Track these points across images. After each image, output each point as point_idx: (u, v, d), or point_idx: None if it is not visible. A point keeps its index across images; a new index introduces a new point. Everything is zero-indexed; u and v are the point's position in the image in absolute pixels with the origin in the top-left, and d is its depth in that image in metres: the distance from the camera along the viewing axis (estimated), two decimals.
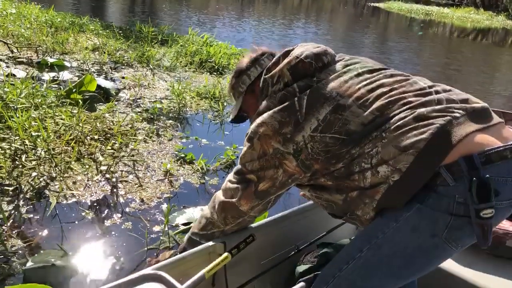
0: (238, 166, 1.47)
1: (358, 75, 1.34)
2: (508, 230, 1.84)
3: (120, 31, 7.62)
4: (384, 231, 1.21)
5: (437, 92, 1.28)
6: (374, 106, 1.25)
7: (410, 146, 1.16)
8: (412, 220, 1.18)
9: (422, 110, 1.21)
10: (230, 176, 1.51)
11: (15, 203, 2.52)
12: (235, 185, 1.47)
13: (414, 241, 1.18)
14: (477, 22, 26.49)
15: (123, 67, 5.73)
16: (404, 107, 1.23)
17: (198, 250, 1.56)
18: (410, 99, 1.25)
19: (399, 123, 1.20)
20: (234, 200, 1.46)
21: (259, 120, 1.36)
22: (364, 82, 1.31)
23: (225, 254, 1.49)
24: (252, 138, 1.38)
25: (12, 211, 2.44)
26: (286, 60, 1.40)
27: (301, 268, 1.74)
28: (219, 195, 1.53)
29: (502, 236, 1.83)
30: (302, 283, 1.65)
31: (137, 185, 2.92)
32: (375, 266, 1.23)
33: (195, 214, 2.68)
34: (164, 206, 2.70)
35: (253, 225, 1.77)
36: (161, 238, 2.40)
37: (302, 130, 1.29)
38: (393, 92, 1.28)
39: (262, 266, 1.62)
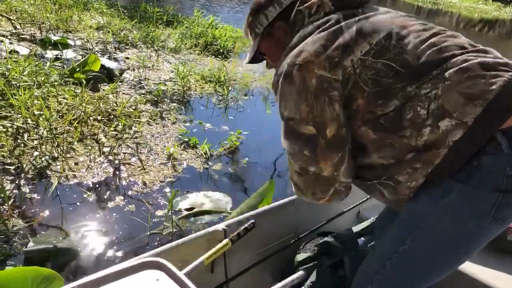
0: (286, 135, 1.19)
1: (407, 16, 1.21)
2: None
3: (125, 11, 7.52)
4: (425, 219, 1.09)
5: (489, 52, 1.12)
6: (432, 40, 1.09)
7: (478, 95, 1.00)
8: (454, 204, 1.05)
9: (486, 59, 1.05)
10: (289, 158, 1.24)
11: (16, 182, 2.49)
12: (301, 155, 1.17)
13: (457, 227, 1.07)
14: (485, 13, 26.23)
15: (128, 47, 5.66)
16: (464, 51, 1.08)
17: (198, 236, 1.54)
18: (466, 45, 1.11)
19: (463, 65, 1.04)
20: (312, 169, 1.17)
21: (295, 50, 1.14)
22: (417, 21, 1.17)
23: (225, 240, 1.47)
24: (289, 74, 1.12)
25: (14, 191, 2.41)
26: None
27: (300, 257, 1.72)
28: (295, 178, 1.26)
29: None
30: (301, 272, 1.63)
31: (140, 168, 2.88)
32: (420, 258, 1.13)
33: (198, 199, 2.66)
34: (167, 190, 2.67)
35: (253, 212, 1.75)
36: (164, 223, 2.38)
37: (351, 53, 1.08)
38: (448, 36, 1.13)
39: (262, 254, 1.60)
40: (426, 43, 1.09)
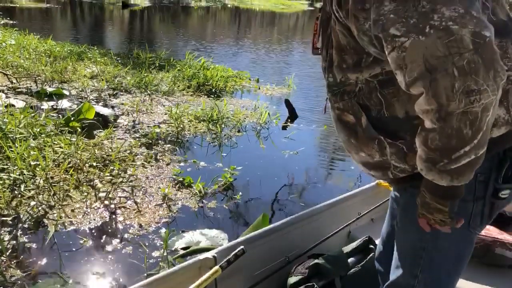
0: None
1: None
2: (496, 238, 1.86)
3: (118, 58, 7.73)
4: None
5: None
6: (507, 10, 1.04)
7: None
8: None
9: None
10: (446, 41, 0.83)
11: (14, 233, 2.53)
12: (470, 17, 0.82)
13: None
14: None
15: (122, 93, 5.79)
16: None
17: (189, 264, 1.57)
18: None
19: None
20: (487, 33, 0.83)
21: None
22: None
23: (215, 267, 1.49)
24: None
25: (11, 241, 2.45)
26: None
27: (292, 280, 1.75)
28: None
29: (491, 243, 1.84)
30: None
31: (135, 211, 2.93)
32: (443, 257, 1.14)
33: (194, 237, 2.69)
34: (163, 231, 2.71)
35: (243, 238, 1.78)
36: (160, 263, 2.41)
37: None
38: None
39: (253, 279, 1.62)
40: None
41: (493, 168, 1.04)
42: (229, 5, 33.91)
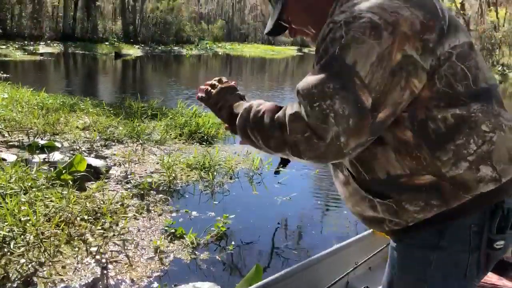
0: (341, 70, 0.93)
1: None
2: (495, 284, 1.84)
3: (110, 108, 7.81)
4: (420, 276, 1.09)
5: None
6: (488, 75, 1.08)
7: None
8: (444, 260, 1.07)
9: None
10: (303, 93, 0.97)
11: None
12: (340, 108, 0.90)
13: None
14: None
15: (114, 143, 5.82)
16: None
17: None
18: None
19: None
20: (334, 130, 0.91)
21: (387, 4, 0.95)
22: None
23: None
24: (377, 27, 0.93)
25: None
26: None
27: None
28: (290, 111, 0.99)
29: None
30: None
31: (127, 265, 2.88)
32: None
33: None
34: (155, 286, 2.65)
35: None
36: None
37: (444, 43, 0.97)
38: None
39: None
40: (488, 75, 1.07)
41: (486, 220, 1.05)
42: (220, 53, 34.72)
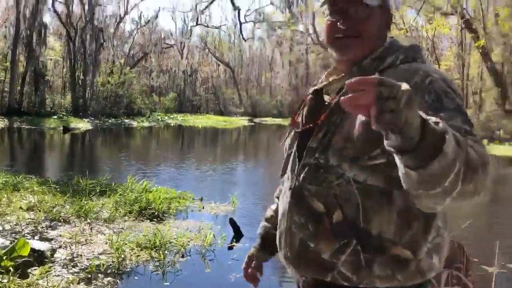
0: (465, 125, 0.98)
1: None
2: None
3: (57, 186, 7.58)
4: None
5: None
6: None
7: None
8: None
9: None
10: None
11: None
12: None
13: None
14: None
15: (60, 224, 5.60)
16: None
17: None
18: None
19: None
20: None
21: (437, 70, 1.17)
22: None
23: None
24: (451, 84, 1.12)
25: None
26: None
27: None
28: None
29: None
30: None
31: None
32: None
33: None
34: None
35: None
36: None
37: None
38: None
39: None
40: None
41: None
42: (172, 124, 34.94)
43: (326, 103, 1.19)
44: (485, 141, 20.99)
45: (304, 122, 1.25)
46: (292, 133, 1.30)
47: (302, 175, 1.18)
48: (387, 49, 1.18)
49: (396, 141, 0.79)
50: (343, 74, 1.19)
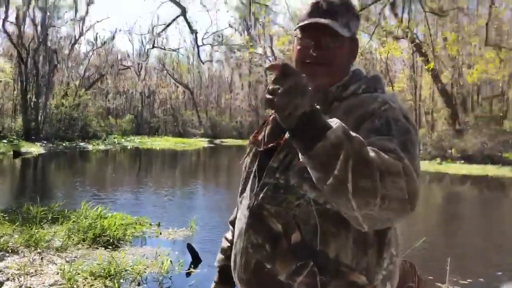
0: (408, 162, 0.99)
1: None
2: None
3: (5, 215, 7.22)
4: None
5: None
6: None
7: None
8: None
9: None
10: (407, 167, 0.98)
11: None
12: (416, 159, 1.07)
13: None
14: None
15: (8, 254, 5.33)
16: None
17: None
18: None
19: None
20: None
21: (393, 97, 1.20)
22: None
23: None
24: (407, 115, 1.15)
25: None
26: None
27: None
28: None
29: None
30: None
31: None
32: None
33: None
34: None
35: None
36: None
37: None
38: None
39: None
40: None
41: None
42: (129, 147, 34.24)
43: None
44: (437, 160, 21.80)
45: (266, 141, 1.26)
46: (253, 151, 1.31)
47: (261, 195, 1.18)
48: (351, 78, 1.24)
49: (286, 124, 0.95)
50: None
